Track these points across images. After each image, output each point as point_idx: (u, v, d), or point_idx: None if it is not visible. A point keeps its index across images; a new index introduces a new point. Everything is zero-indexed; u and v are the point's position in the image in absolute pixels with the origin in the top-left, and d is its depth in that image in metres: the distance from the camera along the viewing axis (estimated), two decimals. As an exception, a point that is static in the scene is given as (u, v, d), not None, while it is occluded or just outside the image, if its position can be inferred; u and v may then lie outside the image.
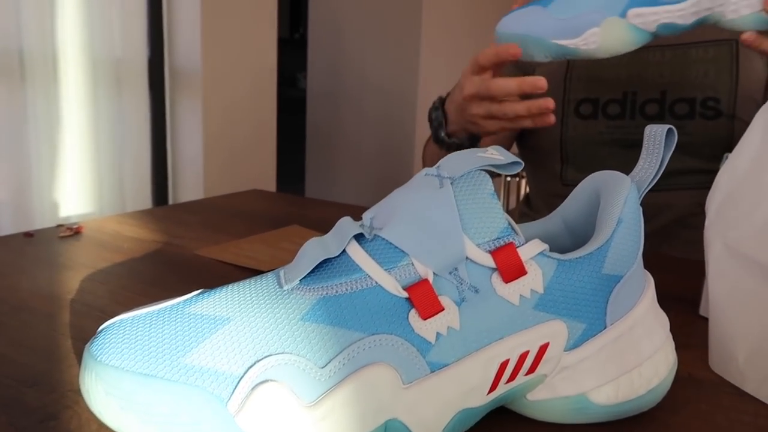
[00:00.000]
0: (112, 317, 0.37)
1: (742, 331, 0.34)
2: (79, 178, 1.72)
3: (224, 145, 1.93)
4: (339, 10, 2.76)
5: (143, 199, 1.85)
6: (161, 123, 1.87)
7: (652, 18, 0.53)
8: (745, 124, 0.75)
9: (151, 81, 1.83)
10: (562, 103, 0.84)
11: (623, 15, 0.53)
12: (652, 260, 0.59)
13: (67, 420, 0.28)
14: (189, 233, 0.63)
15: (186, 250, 0.57)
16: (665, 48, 0.79)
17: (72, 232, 0.61)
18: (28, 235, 0.60)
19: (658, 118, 0.78)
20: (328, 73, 2.86)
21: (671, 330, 0.34)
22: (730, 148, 0.75)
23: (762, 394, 0.33)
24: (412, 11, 2.57)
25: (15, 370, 0.33)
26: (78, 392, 0.31)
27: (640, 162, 0.31)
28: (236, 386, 0.24)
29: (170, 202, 1.88)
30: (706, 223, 0.38)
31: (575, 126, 0.82)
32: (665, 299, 0.47)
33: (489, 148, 0.30)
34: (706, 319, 0.44)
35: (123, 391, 0.25)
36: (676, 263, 0.58)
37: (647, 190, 0.30)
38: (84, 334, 0.38)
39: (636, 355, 0.28)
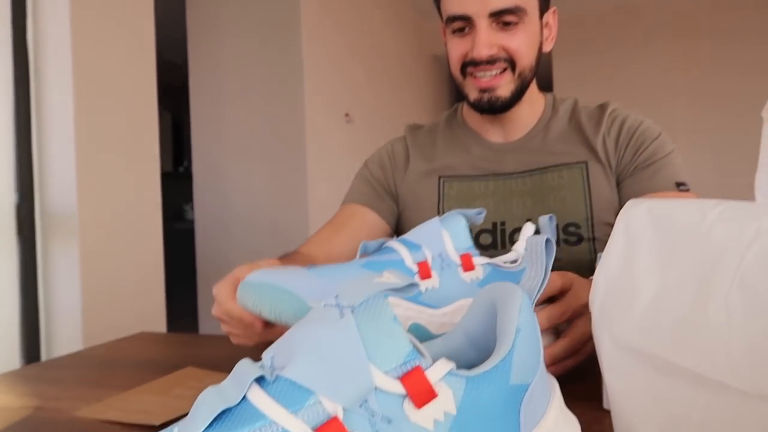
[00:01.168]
0: None
1: (643, 421, 0.35)
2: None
3: (106, 289, 1.80)
4: (222, 139, 2.81)
5: (10, 359, 1.65)
6: (32, 271, 1.72)
7: (405, 314, 0.46)
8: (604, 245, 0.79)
9: (19, 227, 1.71)
10: None
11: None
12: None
13: None
14: (65, 393, 0.56)
15: (62, 413, 0.50)
16: (525, 174, 0.86)
17: None
18: None
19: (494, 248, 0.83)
20: (216, 203, 2.84)
21: (581, 428, 0.34)
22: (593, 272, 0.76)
23: (674, 483, 0.33)
24: (296, 135, 2.67)
25: None
26: None
27: (527, 272, 0.32)
28: None
29: (43, 358, 1.69)
30: (592, 320, 0.40)
31: None
32: (569, 398, 0.48)
33: (384, 272, 0.31)
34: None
35: None
36: (575, 365, 0.60)
37: (537, 297, 0.32)
38: None
39: (555, 466, 0.28)
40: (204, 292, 2.77)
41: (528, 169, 0.85)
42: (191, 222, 3.26)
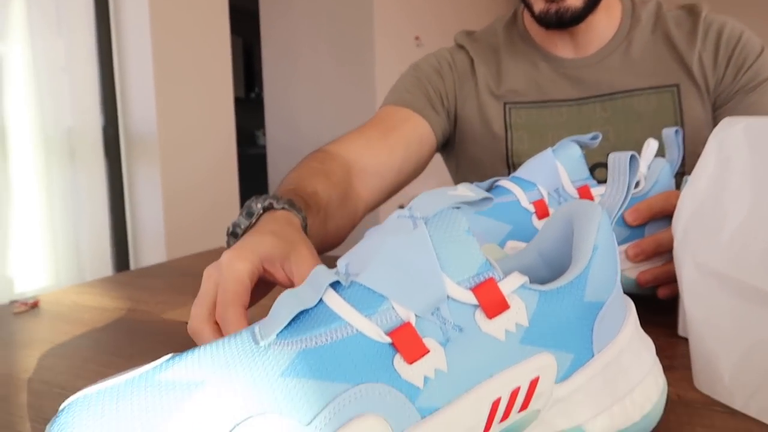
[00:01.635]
0: (74, 394, 0.35)
1: (724, 348, 0.34)
2: (34, 252, 1.65)
3: (185, 208, 1.90)
4: (292, 66, 2.81)
5: (103, 268, 1.79)
6: (119, 190, 1.83)
7: None
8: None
9: (106, 149, 1.80)
10: (507, 169, 0.80)
11: (502, 245, 0.50)
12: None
13: None
14: (155, 297, 0.60)
15: (152, 315, 0.55)
16: (605, 99, 0.75)
17: (27, 307, 0.58)
18: (-20, 314, 0.56)
19: None
20: (286, 128, 2.88)
21: (653, 354, 0.34)
22: None
23: (751, 409, 0.33)
24: (365, 60, 2.63)
25: (-32, 461, 0.30)
26: (40, 479, 0.28)
27: (607, 189, 0.31)
28: (216, 455, 0.23)
29: (131, 267, 1.83)
30: (675, 244, 0.38)
31: None
32: (642, 323, 0.47)
33: (458, 186, 0.30)
34: (686, 339, 0.44)
35: (91, 473, 0.23)
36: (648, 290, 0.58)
37: (618, 216, 0.30)
38: (44, 414, 0.35)
39: (627, 382, 0.28)
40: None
41: (607, 93, 0.75)
42: (263, 147, 3.33)
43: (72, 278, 1.73)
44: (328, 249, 0.67)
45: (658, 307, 0.51)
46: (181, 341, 0.47)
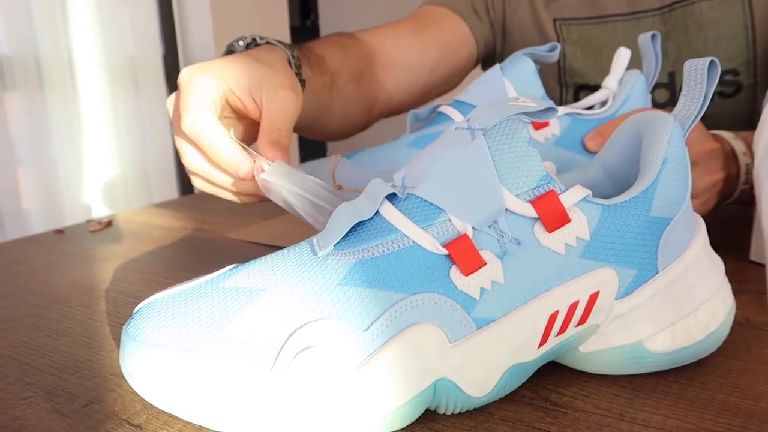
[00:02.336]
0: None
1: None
2: (105, 176, 1.74)
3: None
4: (348, -8, 2.73)
5: (170, 190, 1.87)
6: (180, 118, 1.88)
7: None
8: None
9: (167, 77, 1.84)
10: (560, 87, 0.75)
11: None
12: None
13: (111, 402, 0.28)
14: (217, 219, 0.63)
15: (216, 234, 0.57)
16: (664, 11, 0.67)
17: (102, 226, 0.61)
18: (59, 232, 0.60)
19: (671, 105, 0.69)
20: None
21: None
22: (752, 122, 0.61)
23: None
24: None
25: (56, 358, 0.32)
26: (119, 375, 0.30)
27: (682, 99, 0.29)
28: (278, 355, 0.24)
29: (196, 191, 1.90)
30: (755, 163, 0.36)
31: None
32: (713, 246, 0.45)
33: (520, 97, 0.29)
34: (758, 264, 0.42)
35: (163, 368, 0.24)
36: (720, 212, 0.55)
37: (691, 128, 0.29)
38: (120, 320, 0.38)
39: (692, 300, 0.27)
40: (332, 145, 2.87)
41: (667, 4, 0.67)
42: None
43: (141, 201, 1.82)
44: (332, 134, 0.61)
45: (729, 231, 0.49)
46: (243, 258, 0.49)
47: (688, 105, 0.29)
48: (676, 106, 0.29)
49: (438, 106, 0.45)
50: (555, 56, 0.45)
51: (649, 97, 0.45)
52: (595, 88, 0.70)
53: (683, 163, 0.28)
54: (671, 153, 0.27)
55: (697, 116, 0.28)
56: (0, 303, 0.41)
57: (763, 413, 0.25)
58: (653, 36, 0.44)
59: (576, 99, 0.74)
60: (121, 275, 0.46)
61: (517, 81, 0.43)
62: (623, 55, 0.45)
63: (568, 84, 0.75)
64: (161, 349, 0.25)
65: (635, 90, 0.44)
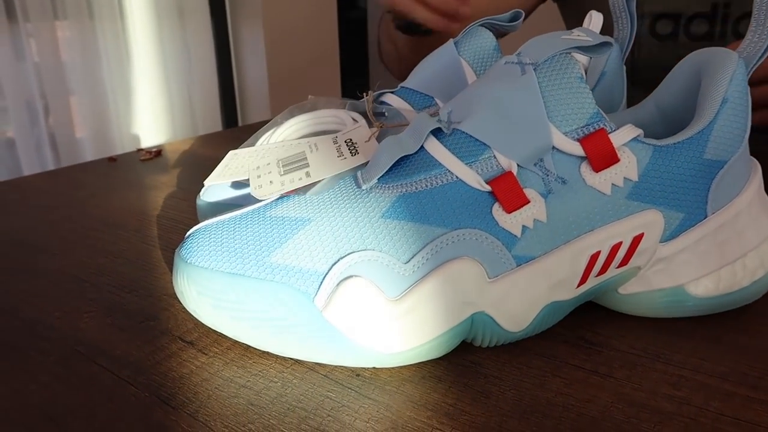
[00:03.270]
0: (197, 228, 0.38)
1: None
2: (153, 107, 1.77)
3: (288, 66, 1.93)
4: None
5: (214, 122, 1.90)
6: (225, 48, 1.88)
7: None
8: None
9: (212, 8, 1.83)
10: (629, 19, 0.69)
11: None
12: (759, 151, 0.54)
13: (165, 320, 0.30)
14: (261, 151, 0.64)
15: (260, 166, 0.58)
16: None
17: (152, 155, 0.63)
18: (112, 159, 0.62)
19: (706, 40, 0.64)
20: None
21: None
22: None
23: None
24: None
25: (113, 278, 0.35)
26: (173, 296, 0.32)
27: (748, 35, 0.27)
28: (322, 282, 0.24)
29: (239, 124, 1.92)
30: None
31: (650, 48, 0.67)
32: None
33: (574, 30, 0.28)
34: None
35: (214, 290, 0.26)
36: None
37: (756, 66, 0.27)
38: (172, 245, 0.39)
39: (740, 245, 0.26)
40: (375, 76, 2.83)
41: None
42: (364, 11, 3.22)
43: (187, 132, 1.85)
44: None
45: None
46: (287, 190, 0.50)
47: (755, 42, 0.27)
48: (742, 43, 0.27)
49: (381, 94, 0.39)
50: (517, 26, 0.39)
51: (624, 69, 0.37)
52: (676, 17, 0.66)
53: (744, 104, 0.26)
54: (732, 93, 0.26)
55: (763, 54, 0.27)
56: (61, 225, 0.44)
57: (804, 361, 0.24)
58: None
59: (652, 30, 0.69)
60: (171, 203, 0.48)
61: (475, 59, 0.37)
62: (595, 19, 0.36)
63: (644, 14, 0.70)
64: (212, 273, 0.26)
65: (610, 63, 0.36)
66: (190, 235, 0.28)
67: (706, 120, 0.26)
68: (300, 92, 1.97)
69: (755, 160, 0.29)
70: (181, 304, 0.31)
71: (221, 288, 0.26)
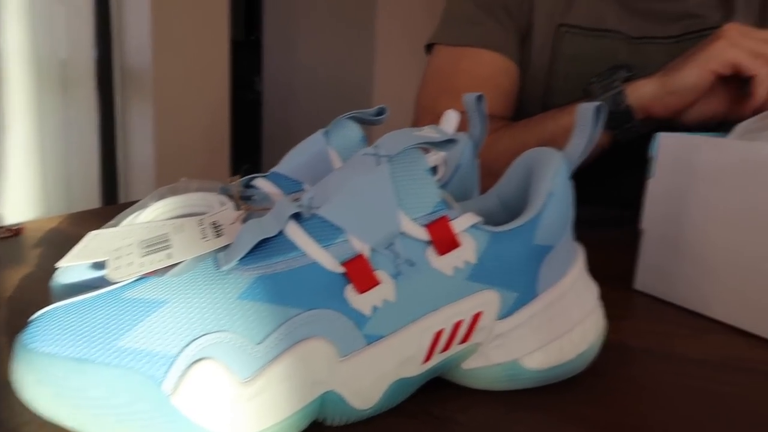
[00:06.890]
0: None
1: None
2: (23, 181, 1.66)
3: (176, 146, 1.90)
4: (293, 12, 2.75)
5: (91, 200, 1.80)
6: (110, 123, 1.82)
7: None
8: None
9: (99, 81, 1.78)
10: (543, 108, 0.69)
11: None
12: (583, 238, 0.60)
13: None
14: (136, 230, 0.62)
15: (132, 246, 0.56)
16: (680, 39, 0.63)
17: (12, 233, 0.59)
18: (-35, 236, 0.57)
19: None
20: (284, 75, 2.84)
21: (606, 304, 0.35)
22: None
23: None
24: (367, 10, 2.57)
25: (-55, 366, 0.31)
26: (9, 384, 0.30)
27: (572, 138, 0.32)
28: (171, 366, 0.24)
29: (120, 201, 1.84)
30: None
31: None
32: (598, 276, 0.48)
33: (425, 127, 0.31)
34: (640, 293, 0.45)
35: (56, 377, 0.24)
36: (608, 240, 0.59)
37: (577, 164, 0.31)
38: (19, 329, 0.37)
39: (566, 322, 0.29)
40: (268, 161, 2.86)
41: (684, 32, 0.63)
42: (259, 93, 3.29)
43: (61, 210, 1.74)
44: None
45: (614, 261, 0.52)
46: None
47: (576, 144, 0.31)
48: (567, 145, 0.32)
49: (252, 178, 0.41)
50: (382, 120, 0.41)
51: (477, 162, 0.39)
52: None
53: (567, 196, 0.30)
54: (556, 187, 0.30)
55: (582, 154, 0.31)
56: None
57: (623, 426, 0.27)
58: (478, 98, 0.37)
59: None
60: (27, 284, 0.45)
61: (343, 149, 0.40)
62: (451, 118, 0.38)
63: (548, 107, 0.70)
64: (54, 359, 0.25)
65: (465, 157, 0.38)
66: (34, 319, 0.27)
67: (536, 210, 0.29)
68: (188, 170, 1.94)
69: (579, 245, 0.32)
70: (17, 393, 0.29)
71: (63, 375, 0.24)
